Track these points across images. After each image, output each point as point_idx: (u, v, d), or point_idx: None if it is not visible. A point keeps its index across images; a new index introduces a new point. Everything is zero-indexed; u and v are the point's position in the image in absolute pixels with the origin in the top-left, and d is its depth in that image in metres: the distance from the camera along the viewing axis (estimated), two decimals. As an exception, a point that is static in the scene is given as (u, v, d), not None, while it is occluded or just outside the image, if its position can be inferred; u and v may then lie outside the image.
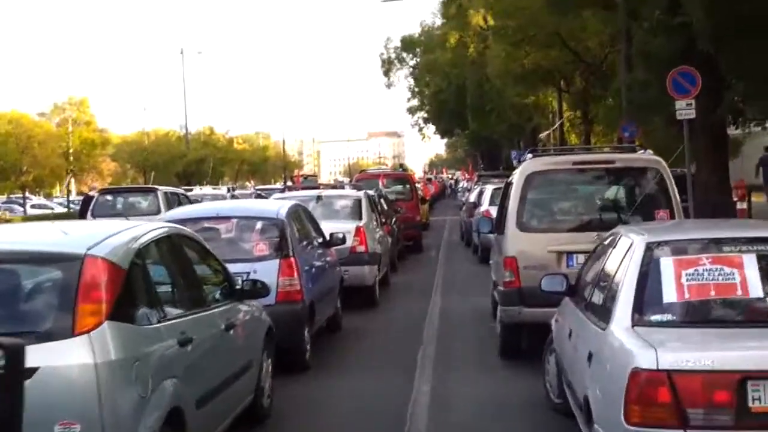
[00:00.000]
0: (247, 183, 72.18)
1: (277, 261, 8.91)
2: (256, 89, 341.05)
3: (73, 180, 69.59)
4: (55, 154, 60.12)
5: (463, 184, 57.72)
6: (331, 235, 11.21)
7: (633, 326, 4.67)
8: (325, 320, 10.66)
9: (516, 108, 47.67)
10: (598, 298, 5.59)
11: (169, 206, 19.62)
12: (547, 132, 48.52)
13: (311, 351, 9.49)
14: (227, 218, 9.38)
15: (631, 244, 5.23)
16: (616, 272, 5.28)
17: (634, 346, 4.39)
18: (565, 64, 36.99)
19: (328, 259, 10.96)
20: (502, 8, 35.68)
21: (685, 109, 19.37)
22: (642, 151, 9.79)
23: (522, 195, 9.31)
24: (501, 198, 10.90)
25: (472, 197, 26.61)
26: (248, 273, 8.75)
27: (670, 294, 4.74)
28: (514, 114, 48.70)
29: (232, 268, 8.51)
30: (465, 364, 9.60)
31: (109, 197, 20.84)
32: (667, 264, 4.87)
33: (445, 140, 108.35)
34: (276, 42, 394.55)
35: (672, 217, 9.03)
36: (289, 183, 49.32)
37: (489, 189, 22.29)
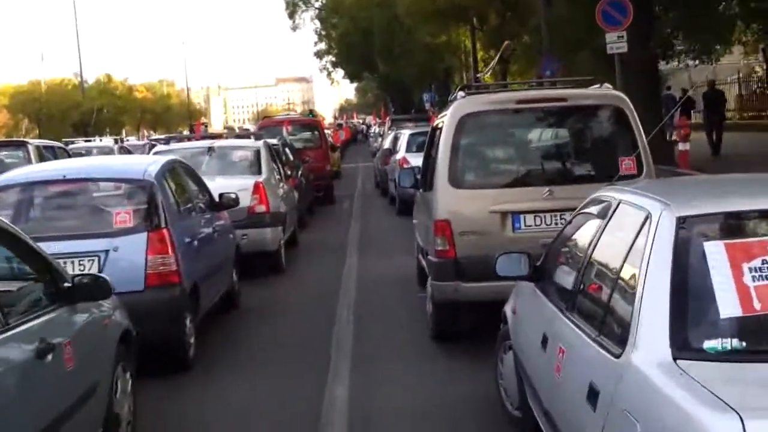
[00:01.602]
0: (146, 133, 68.73)
1: (145, 234, 6.90)
2: (158, 34, 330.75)
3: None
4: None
5: (374, 129, 55.69)
6: (221, 195, 9.19)
7: (674, 358, 2.87)
8: (217, 299, 8.72)
9: (427, 49, 45.82)
10: (593, 299, 3.79)
11: (42, 161, 17.28)
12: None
13: (196, 343, 7.56)
14: (77, 181, 7.26)
15: (646, 219, 3.41)
16: (623, 263, 3.47)
17: (697, 405, 2.55)
18: (479, 0, 35.17)
19: (218, 224, 8.96)
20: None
21: (616, 42, 17.84)
22: (597, 85, 8.02)
23: (454, 143, 7.47)
24: (426, 147, 9.05)
25: (387, 143, 24.72)
26: (106, 252, 6.79)
27: (729, 303, 2.94)
28: (426, 55, 46.88)
29: (83, 245, 6.61)
30: (391, 353, 7.74)
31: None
32: (717, 253, 3.07)
33: (355, 84, 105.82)
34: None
35: (639, 166, 7.32)
36: (187, 132, 46.57)
37: (405, 134, 20.42)
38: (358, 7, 55.22)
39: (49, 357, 4.10)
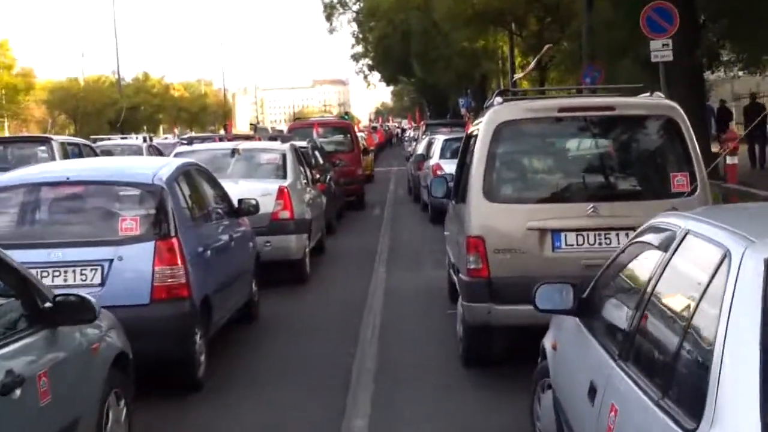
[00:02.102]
0: (176, 131, 68.51)
1: (153, 243, 6.37)
2: (197, 35, 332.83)
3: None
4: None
5: (409, 133, 55.02)
6: (240, 201, 8.64)
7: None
8: (234, 312, 8.18)
9: (464, 54, 45.12)
10: (654, 350, 3.18)
11: (67, 159, 16.90)
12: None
13: (207, 360, 7.02)
14: (81, 184, 6.73)
15: (724, 258, 2.79)
16: (695, 310, 2.86)
17: None
18: (518, 5, 34.45)
19: (236, 232, 8.41)
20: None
21: (661, 50, 17.13)
22: (647, 94, 7.38)
23: (490, 152, 6.87)
24: (460, 155, 8.46)
25: (420, 148, 24.11)
26: (110, 261, 6.27)
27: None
28: (462, 60, 46.18)
29: (85, 254, 6.12)
30: (416, 379, 7.13)
31: (-7, 147, 17.86)
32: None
33: (391, 88, 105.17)
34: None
35: (693, 182, 6.68)
36: (223, 132, 46.19)
37: (439, 139, 19.77)
38: (396, 9, 54.70)
39: (17, 392, 3.55)
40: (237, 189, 11.01)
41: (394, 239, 15.89)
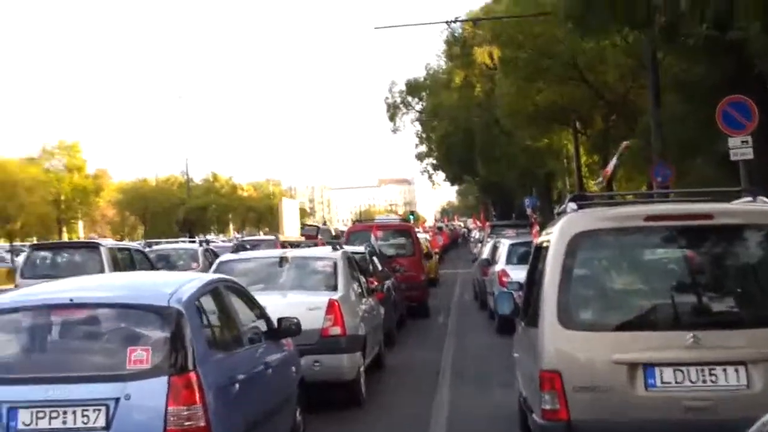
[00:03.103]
0: (234, 233, 68.69)
1: (166, 379, 5.39)
2: (265, 136, 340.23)
3: (65, 228, 66.11)
4: (44, 201, 56.73)
5: (475, 234, 53.95)
6: (280, 321, 7.65)
7: None
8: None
9: (528, 152, 44.25)
10: None
11: (116, 266, 16.28)
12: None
13: None
14: (86, 307, 5.81)
15: None
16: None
17: None
18: (582, 102, 33.60)
19: (274, 356, 7.39)
20: (508, 36, 32.19)
21: (740, 147, 15.89)
22: (748, 198, 6.30)
23: (564, 268, 5.84)
24: (529, 269, 7.42)
25: (485, 252, 23.03)
26: (116, 400, 5.33)
27: None
28: (526, 159, 45.30)
29: (87, 391, 5.24)
30: None
31: (43, 254, 17.37)
32: None
33: (456, 187, 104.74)
34: (283, 88, 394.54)
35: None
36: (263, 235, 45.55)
37: (505, 244, 18.66)
38: (458, 108, 54.45)
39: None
40: (283, 302, 10.12)
41: (459, 351, 14.75)
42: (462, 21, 38.92)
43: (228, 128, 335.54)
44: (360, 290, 11.89)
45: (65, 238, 58.08)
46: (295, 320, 7.74)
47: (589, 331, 5.72)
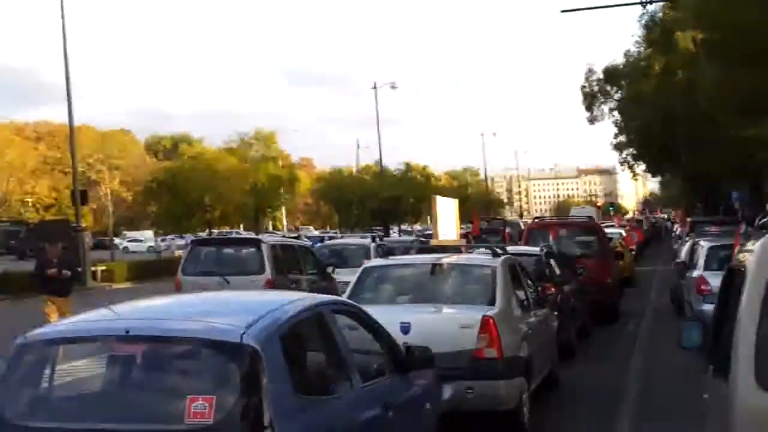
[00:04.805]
0: (413, 227, 67.86)
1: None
2: (462, 125, 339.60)
3: (267, 217, 67.78)
4: (241, 191, 58.03)
5: (677, 228, 50.40)
6: (409, 350, 6.34)
7: None
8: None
9: (735, 142, 40.53)
10: None
11: (278, 264, 15.52)
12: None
13: None
14: (141, 341, 4.72)
15: None
16: None
17: None
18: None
19: (398, 396, 6.09)
20: (709, 20, 29.26)
21: None
22: None
23: (766, 307, 4.23)
24: (719, 297, 5.79)
25: (683, 253, 20.79)
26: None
27: None
28: (732, 150, 41.53)
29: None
30: None
31: (204, 249, 16.87)
32: None
33: (659, 178, 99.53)
34: (478, 76, 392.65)
35: None
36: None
37: (704, 247, 16.48)
38: (657, 94, 51.05)
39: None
40: (432, 318, 8.90)
41: (647, 370, 13.01)
42: (658, 1, 36.03)
43: (426, 117, 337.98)
44: (526, 301, 10.40)
45: (269, 227, 59.15)
46: (429, 350, 6.41)
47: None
